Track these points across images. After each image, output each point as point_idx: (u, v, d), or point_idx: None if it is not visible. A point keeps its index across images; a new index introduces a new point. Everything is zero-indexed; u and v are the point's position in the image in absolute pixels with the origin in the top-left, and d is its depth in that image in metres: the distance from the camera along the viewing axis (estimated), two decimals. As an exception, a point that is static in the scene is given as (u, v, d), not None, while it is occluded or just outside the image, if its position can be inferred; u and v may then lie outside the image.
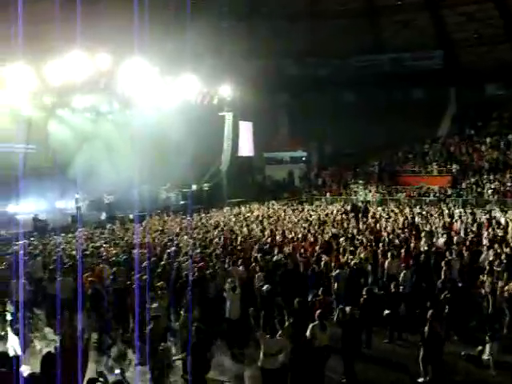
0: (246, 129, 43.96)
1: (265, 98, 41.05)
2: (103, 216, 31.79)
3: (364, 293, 12.92)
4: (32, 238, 24.02)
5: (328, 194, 40.88)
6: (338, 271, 15.19)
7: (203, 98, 35.45)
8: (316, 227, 23.86)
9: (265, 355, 10.01)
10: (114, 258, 18.76)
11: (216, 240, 21.08)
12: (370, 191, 39.56)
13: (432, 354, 10.90)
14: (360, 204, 34.35)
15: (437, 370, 10.93)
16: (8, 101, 26.90)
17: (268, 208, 33.24)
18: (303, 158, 49.22)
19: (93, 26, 21.31)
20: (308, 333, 10.64)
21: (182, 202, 35.62)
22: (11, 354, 9.77)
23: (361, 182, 41.66)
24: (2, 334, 15.39)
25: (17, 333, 14.94)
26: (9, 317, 16.29)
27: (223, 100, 37.74)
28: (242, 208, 33.30)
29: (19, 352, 10.69)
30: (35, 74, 25.32)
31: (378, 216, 27.76)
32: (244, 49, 39.84)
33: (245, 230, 23.83)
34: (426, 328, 10.96)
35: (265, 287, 13.75)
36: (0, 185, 27.14)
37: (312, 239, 20.45)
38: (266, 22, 41.44)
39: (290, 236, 21.42)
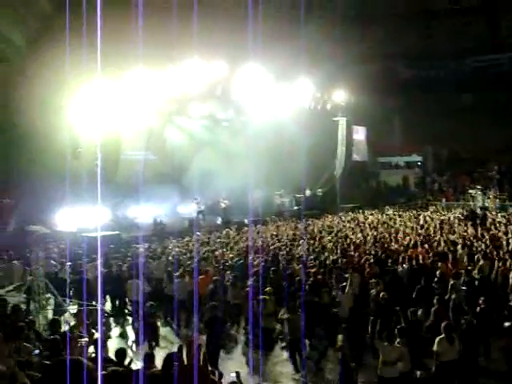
0: (360, 133, 43.57)
1: (378, 102, 40.45)
2: (219, 220, 32.45)
3: (481, 302, 12.41)
4: (151, 241, 25.00)
5: (444, 200, 39.70)
6: (455, 281, 14.61)
7: (317, 104, 35.51)
8: (432, 234, 23.21)
9: (384, 363, 9.84)
10: (229, 262, 19.17)
11: (330, 246, 21.00)
12: (489, 197, 37.97)
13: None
14: (478, 210, 33.07)
15: None
16: (129, 109, 28.00)
17: (382, 214, 32.73)
18: (418, 163, 48.03)
19: (209, 33, 21.83)
20: (435, 347, 10.24)
21: (295, 208, 35.75)
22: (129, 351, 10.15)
23: (479, 187, 40.09)
24: (121, 331, 16.08)
25: (136, 331, 15.62)
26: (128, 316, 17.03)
27: (337, 105, 37.63)
28: (357, 214, 32.99)
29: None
30: (155, 83, 26.29)
31: (497, 223, 26.59)
32: (356, 53, 39.53)
33: (359, 235, 23.57)
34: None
35: (381, 294, 13.57)
36: (122, 190, 28.42)
37: (427, 246, 19.89)
38: (378, 24, 40.92)
39: (405, 242, 20.96)
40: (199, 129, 35.77)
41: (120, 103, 26.76)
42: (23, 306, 14.61)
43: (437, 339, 10.27)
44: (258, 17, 17.44)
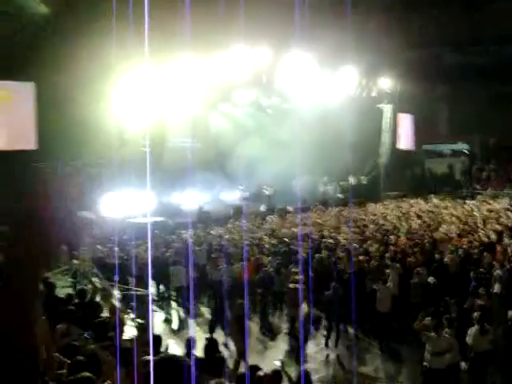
0: (406, 121, 42.97)
1: (424, 90, 39.82)
2: (263, 208, 32.53)
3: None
4: (196, 228, 25.25)
5: (491, 189, 38.96)
6: (499, 271, 14.40)
7: (362, 91, 35.20)
8: (478, 223, 22.84)
9: (433, 354, 9.76)
10: (272, 249, 19.27)
11: (374, 234, 20.88)
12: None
13: None
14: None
15: None
16: (175, 96, 28.21)
17: (427, 202, 32.33)
18: (465, 151, 47.17)
19: (254, 20, 21.76)
20: (468, 339, 10.18)
21: (339, 195, 35.59)
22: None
23: (528, 175, 39.23)
24: (167, 316, 16.31)
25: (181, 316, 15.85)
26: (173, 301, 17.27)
27: (382, 92, 37.24)
28: (401, 202, 32.69)
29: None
30: (200, 70, 26.42)
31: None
32: (402, 40, 38.90)
33: (403, 224, 23.37)
34: None
35: (430, 279, 13.47)
36: (167, 177, 28.72)
37: (473, 236, 19.58)
38: (424, 10, 40.13)
39: (451, 232, 20.69)
40: (244, 116, 35.84)
41: (166, 90, 27.00)
42: (69, 290, 14.91)
43: (469, 331, 10.22)
44: (303, 3, 17.32)
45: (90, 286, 17.19)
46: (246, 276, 16.29)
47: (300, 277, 13.87)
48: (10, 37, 23.56)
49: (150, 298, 14.66)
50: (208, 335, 11.66)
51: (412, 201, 33.02)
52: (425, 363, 9.96)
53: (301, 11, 17.44)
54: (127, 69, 23.60)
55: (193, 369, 2.55)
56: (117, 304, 13.36)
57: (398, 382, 11.46)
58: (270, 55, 27.72)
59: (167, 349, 9.80)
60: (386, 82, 36.62)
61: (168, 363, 2.43)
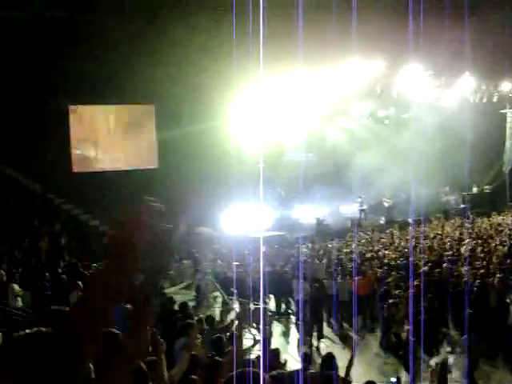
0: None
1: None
2: (382, 220, 32.08)
3: None
4: (314, 242, 25.32)
5: None
6: None
7: (482, 97, 33.99)
8: None
9: None
10: (392, 263, 18.94)
11: (499, 247, 20.03)
12: None
13: None
14: None
15: None
16: (290, 110, 28.50)
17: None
18: None
19: (367, 33, 21.66)
20: None
21: (461, 206, 34.42)
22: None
23: None
24: (284, 330, 16.42)
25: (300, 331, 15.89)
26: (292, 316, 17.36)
27: (504, 96, 35.75)
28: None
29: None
30: (314, 83, 26.59)
31: None
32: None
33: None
34: None
35: None
36: (286, 191, 29.00)
37: None
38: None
39: None
40: (360, 128, 35.57)
41: (281, 105, 27.35)
42: (192, 304, 15.32)
43: None
44: (417, 13, 17.05)
45: (211, 301, 17.71)
46: (360, 290, 16.22)
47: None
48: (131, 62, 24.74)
49: (262, 311, 14.81)
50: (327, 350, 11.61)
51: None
52: None
53: (414, 19, 17.20)
54: (243, 86, 24.11)
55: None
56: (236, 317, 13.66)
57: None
58: (384, 66, 27.45)
59: (285, 363, 9.89)
60: (508, 86, 35.11)
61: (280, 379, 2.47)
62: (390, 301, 14.50)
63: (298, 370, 8.61)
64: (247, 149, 26.61)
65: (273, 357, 9.56)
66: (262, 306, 12.39)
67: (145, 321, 2.27)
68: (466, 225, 26.54)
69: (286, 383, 4.71)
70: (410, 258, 17.76)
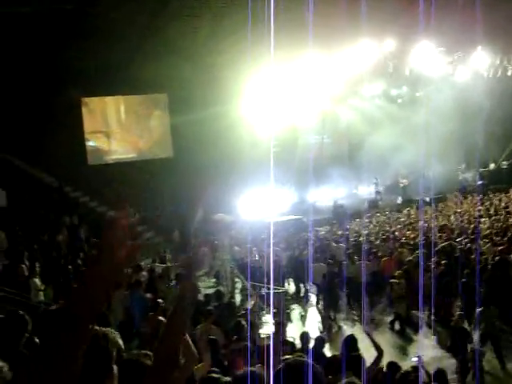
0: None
1: None
2: (399, 200, 31.93)
3: None
4: (332, 224, 25.27)
5: None
6: None
7: (496, 71, 33.60)
8: None
9: None
10: (412, 242, 18.83)
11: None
12: None
13: None
14: None
15: None
16: (303, 93, 28.37)
17: None
18: None
19: (377, 12, 21.44)
20: None
21: (479, 183, 34.12)
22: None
23: None
24: (303, 314, 16.41)
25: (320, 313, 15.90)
26: (312, 298, 17.35)
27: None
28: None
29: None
30: (326, 65, 26.44)
31: None
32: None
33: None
34: None
35: None
36: (301, 175, 28.89)
37: None
38: None
39: None
40: (373, 108, 35.32)
41: (294, 88, 27.23)
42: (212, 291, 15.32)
43: None
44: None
45: (230, 287, 17.73)
46: (385, 270, 16.19)
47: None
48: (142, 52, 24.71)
49: (281, 295, 14.83)
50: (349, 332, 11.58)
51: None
52: None
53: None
54: (256, 70, 24.02)
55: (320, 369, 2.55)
56: (256, 303, 13.68)
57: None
58: (396, 44, 27.20)
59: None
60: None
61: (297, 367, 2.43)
62: (392, 280, 14.83)
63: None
64: (261, 133, 26.54)
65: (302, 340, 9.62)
66: (268, 290, 12.39)
67: (179, 328, 2.31)
68: (484, 201, 26.38)
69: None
70: (432, 237, 17.63)
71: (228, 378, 4.00)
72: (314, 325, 15.36)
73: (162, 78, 25.00)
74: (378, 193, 31.78)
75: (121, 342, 2.61)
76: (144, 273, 14.14)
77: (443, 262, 14.50)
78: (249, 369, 3.19)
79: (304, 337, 9.79)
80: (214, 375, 4.40)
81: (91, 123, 28.41)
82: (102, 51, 23.52)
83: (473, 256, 14.98)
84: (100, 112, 28.88)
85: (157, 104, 29.91)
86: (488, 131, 30.62)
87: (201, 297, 12.73)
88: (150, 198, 25.14)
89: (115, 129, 29.39)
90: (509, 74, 34.29)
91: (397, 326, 14.22)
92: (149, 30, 24.46)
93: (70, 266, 14.22)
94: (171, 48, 24.35)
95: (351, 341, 8.19)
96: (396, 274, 15.05)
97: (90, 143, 28.45)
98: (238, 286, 18.17)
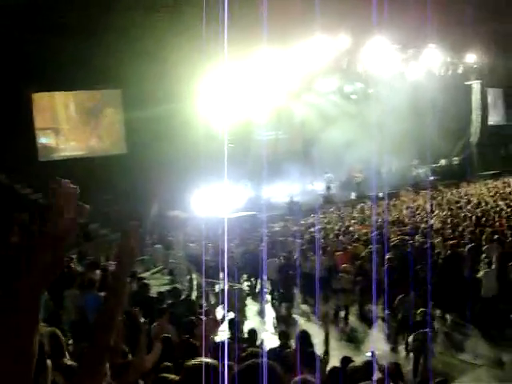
0: (496, 96, 41.38)
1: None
2: (353, 195, 32.20)
3: None
4: (286, 220, 25.33)
5: None
6: None
7: (447, 69, 34.18)
8: None
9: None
10: (365, 237, 18.99)
11: (469, 216, 20.20)
12: None
13: None
14: None
15: None
16: (257, 90, 28.35)
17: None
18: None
19: (331, 8, 21.58)
20: None
21: (431, 178, 34.68)
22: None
23: None
24: (258, 310, 16.41)
25: (276, 309, 15.91)
26: (267, 294, 17.35)
27: (469, 68, 35.99)
28: (496, 181, 31.55)
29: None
30: (280, 62, 26.48)
31: None
32: (488, 12, 37.36)
33: (501, 204, 22.54)
34: None
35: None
36: (256, 171, 28.85)
37: None
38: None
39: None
40: (327, 104, 35.53)
41: (248, 84, 27.20)
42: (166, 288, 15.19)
43: None
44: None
45: (186, 284, 17.61)
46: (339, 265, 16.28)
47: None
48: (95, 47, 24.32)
49: (237, 292, 14.80)
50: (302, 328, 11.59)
51: (508, 179, 31.80)
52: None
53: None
54: (211, 66, 23.90)
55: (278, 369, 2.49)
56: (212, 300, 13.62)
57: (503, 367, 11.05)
58: (349, 41, 27.43)
59: (262, 343, 9.86)
60: (473, 58, 35.32)
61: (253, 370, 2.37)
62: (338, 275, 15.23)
63: (274, 349, 8.61)
64: (216, 129, 26.42)
65: (250, 337, 9.57)
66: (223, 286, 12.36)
67: (117, 309, 2.27)
68: (436, 197, 26.82)
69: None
70: (385, 232, 17.84)
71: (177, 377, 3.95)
72: (269, 320, 15.37)
73: (116, 73, 24.66)
74: (328, 188, 31.91)
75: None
76: (98, 271, 13.91)
77: (394, 256, 14.67)
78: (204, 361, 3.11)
79: (252, 333, 9.74)
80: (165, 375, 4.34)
81: (42, 119, 27.87)
82: (53, 46, 23.03)
83: (425, 248, 15.23)
84: (50, 108, 28.34)
85: (109, 100, 29.49)
86: (440, 128, 31.13)
87: (155, 294, 12.65)
88: (102, 195, 24.79)
89: (64, 125, 28.89)
90: (459, 71, 34.96)
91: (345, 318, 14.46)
92: (101, 24, 24.11)
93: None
94: (125, 43, 24.03)
95: (305, 336, 8.19)
96: (344, 267, 15.23)
97: (41, 140, 27.91)
98: (194, 282, 18.06)
